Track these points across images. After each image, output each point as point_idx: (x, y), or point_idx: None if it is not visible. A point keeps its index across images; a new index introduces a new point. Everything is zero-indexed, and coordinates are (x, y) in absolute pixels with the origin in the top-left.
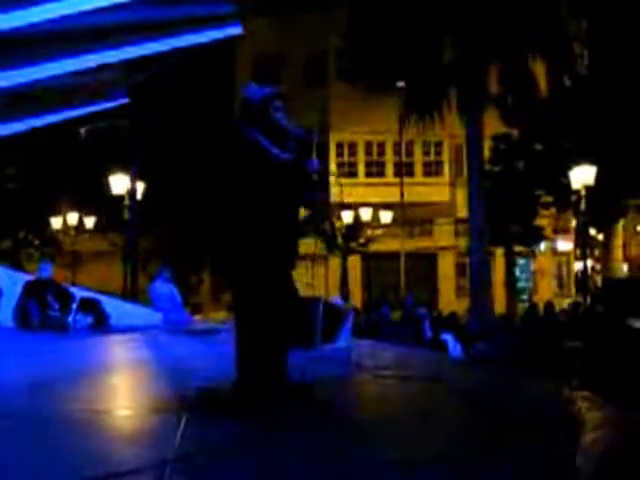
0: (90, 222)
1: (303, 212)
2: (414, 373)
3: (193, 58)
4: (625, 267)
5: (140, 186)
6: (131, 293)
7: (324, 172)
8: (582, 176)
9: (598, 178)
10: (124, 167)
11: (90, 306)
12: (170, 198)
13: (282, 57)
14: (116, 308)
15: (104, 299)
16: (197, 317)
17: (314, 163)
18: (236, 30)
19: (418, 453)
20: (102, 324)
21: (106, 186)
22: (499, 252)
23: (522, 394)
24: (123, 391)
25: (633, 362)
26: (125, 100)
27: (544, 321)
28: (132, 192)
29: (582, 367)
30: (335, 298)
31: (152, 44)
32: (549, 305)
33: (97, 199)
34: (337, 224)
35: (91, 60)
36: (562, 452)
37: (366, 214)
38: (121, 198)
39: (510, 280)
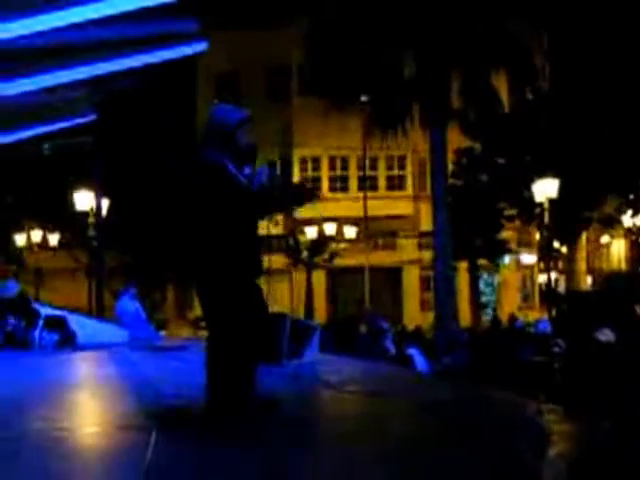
0: (54, 239)
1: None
2: (380, 389)
3: (156, 76)
4: (589, 279)
5: (105, 203)
6: (97, 310)
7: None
8: (545, 189)
9: (561, 191)
10: (89, 184)
11: (56, 323)
12: (134, 215)
13: (242, 73)
14: (82, 325)
15: (70, 316)
16: (162, 333)
17: (263, 173)
18: (201, 46)
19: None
20: (68, 342)
21: (70, 203)
22: (463, 266)
23: (488, 408)
24: (91, 409)
25: (600, 376)
26: (89, 117)
27: (508, 334)
28: (97, 209)
29: (549, 381)
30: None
31: (116, 62)
32: (512, 318)
33: (61, 216)
34: (301, 239)
35: (55, 78)
36: (529, 465)
37: (330, 229)
38: (85, 215)
39: (474, 294)
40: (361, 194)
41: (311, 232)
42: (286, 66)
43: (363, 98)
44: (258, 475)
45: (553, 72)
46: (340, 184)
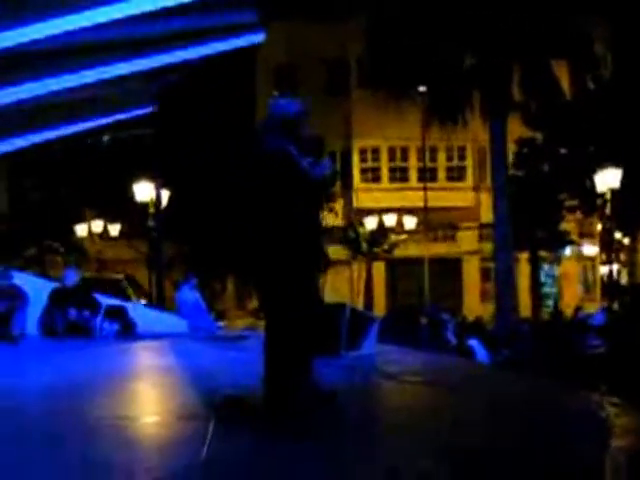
0: (115, 229)
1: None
2: (440, 380)
3: (215, 67)
4: None
5: (165, 194)
6: (157, 300)
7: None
8: (608, 179)
9: (623, 181)
10: (149, 175)
11: (116, 313)
12: (194, 206)
13: (301, 65)
14: (142, 315)
15: (130, 306)
16: (221, 324)
17: (326, 164)
18: (259, 37)
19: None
20: (128, 331)
21: (131, 193)
22: (524, 257)
23: (549, 401)
24: (150, 398)
25: None
26: (149, 109)
27: (569, 326)
28: (157, 200)
29: (610, 373)
30: None
31: (175, 53)
32: (578, 310)
33: (122, 206)
34: (361, 230)
35: (114, 70)
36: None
37: (390, 220)
38: (145, 205)
39: (535, 285)
40: (421, 185)
41: (371, 223)
42: (344, 59)
43: (421, 89)
44: (314, 466)
45: (615, 60)
46: (400, 175)
